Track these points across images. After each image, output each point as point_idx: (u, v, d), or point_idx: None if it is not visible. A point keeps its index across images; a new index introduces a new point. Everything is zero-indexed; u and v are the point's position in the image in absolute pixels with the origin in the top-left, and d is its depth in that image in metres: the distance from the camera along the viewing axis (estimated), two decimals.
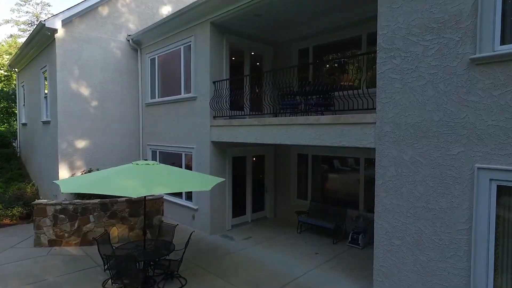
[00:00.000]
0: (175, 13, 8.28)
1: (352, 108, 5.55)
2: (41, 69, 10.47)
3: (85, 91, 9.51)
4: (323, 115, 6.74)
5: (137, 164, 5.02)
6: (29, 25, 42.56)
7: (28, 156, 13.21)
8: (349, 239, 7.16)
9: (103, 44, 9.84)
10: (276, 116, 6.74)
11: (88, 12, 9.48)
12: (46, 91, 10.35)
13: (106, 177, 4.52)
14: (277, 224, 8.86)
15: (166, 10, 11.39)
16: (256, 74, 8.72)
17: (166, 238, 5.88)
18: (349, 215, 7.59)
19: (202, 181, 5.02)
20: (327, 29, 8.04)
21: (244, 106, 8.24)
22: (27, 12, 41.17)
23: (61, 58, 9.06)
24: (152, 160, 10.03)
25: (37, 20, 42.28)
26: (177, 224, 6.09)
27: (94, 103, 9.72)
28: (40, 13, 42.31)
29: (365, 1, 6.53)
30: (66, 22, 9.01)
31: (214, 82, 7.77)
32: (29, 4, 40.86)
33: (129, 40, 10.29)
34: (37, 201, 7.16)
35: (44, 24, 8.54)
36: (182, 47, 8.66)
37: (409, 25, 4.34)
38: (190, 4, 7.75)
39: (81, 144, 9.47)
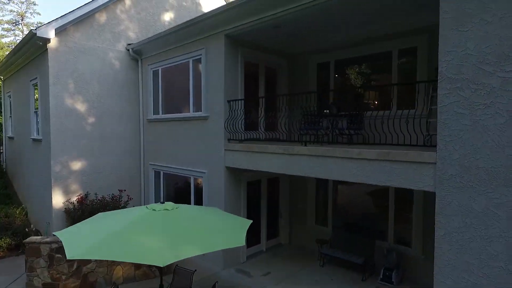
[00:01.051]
0: (184, 23, 7.48)
1: (398, 143, 4.87)
2: (30, 80, 9.51)
3: (81, 106, 8.61)
4: (351, 139, 6.07)
5: (153, 210, 4.24)
6: (14, 24, 40.81)
7: (16, 173, 12.16)
8: (381, 276, 6.51)
9: (101, 54, 8.95)
10: (299, 140, 6.03)
11: (84, 20, 8.58)
12: (36, 106, 9.40)
13: (120, 232, 3.72)
14: (295, 253, 8.15)
15: (168, 17, 10.54)
16: (278, 95, 7.96)
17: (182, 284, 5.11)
18: (378, 247, 6.93)
19: (232, 229, 4.28)
20: (352, 43, 7.36)
21: (259, 125, 7.53)
22: (11, 11, 39.49)
23: (54, 70, 8.14)
24: (155, 179, 9.22)
25: (22, 19, 40.54)
26: (195, 270, 5.32)
27: (91, 119, 8.82)
28: (25, 11, 40.62)
29: (399, 14, 5.88)
30: (59, 31, 8.10)
31: (229, 101, 7.01)
32: (13, 2, 39.13)
33: (129, 50, 9.42)
34: (29, 239, 6.27)
35: (35, 33, 7.61)
36: (191, 60, 7.86)
37: (482, 52, 3.68)
38: (203, 15, 6.96)
39: (76, 165, 8.57)
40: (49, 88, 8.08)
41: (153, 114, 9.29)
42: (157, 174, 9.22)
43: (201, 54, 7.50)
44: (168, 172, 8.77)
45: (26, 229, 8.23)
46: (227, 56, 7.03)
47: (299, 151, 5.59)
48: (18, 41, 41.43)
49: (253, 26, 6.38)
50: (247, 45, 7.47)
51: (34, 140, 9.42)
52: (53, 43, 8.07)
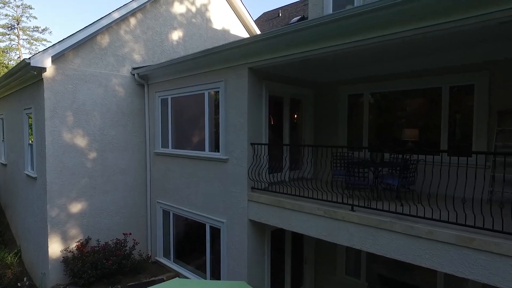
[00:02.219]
0: (201, 52, 6.54)
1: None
2: (24, 109, 8.53)
3: (81, 141, 7.65)
4: (399, 196, 5.15)
5: None
6: (9, 28, 39.66)
7: (9, 203, 11.16)
8: None
9: (103, 81, 7.99)
10: (343, 202, 5.12)
11: (84, 43, 7.61)
12: (31, 140, 8.42)
13: None
14: None
15: (176, 35, 9.59)
16: (306, 145, 7.05)
17: None
18: None
19: None
20: (392, 75, 6.46)
21: (284, 166, 6.62)
22: (6, 15, 38.27)
23: (51, 103, 7.18)
24: (164, 221, 8.28)
25: (18, 24, 39.40)
26: None
27: (92, 154, 7.86)
28: (21, 15, 39.49)
29: (455, 48, 4.99)
30: (57, 57, 7.14)
31: (252, 145, 6.08)
32: (8, 6, 38.03)
33: (134, 75, 8.46)
34: None
35: (29, 63, 6.64)
36: (206, 92, 6.92)
37: None
38: (224, 45, 6.03)
39: (76, 207, 7.60)
40: (44, 123, 7.11)
41: (162, 147, 8.34)
42: (166, 214, 8.27)
43: (219, 87, 6.56)
44: (179, 214, 7.82)
45: (19, 284, 7.25)
46: (251, 91, 6.10)
47: (346, 217, 4.66)
48: (13, 46, 40.35)
49: (282, 61, 5.45)
50: (273, 78, 6.55)
51: (28, 176, 8.44)
52: (49, 72, 7.11)
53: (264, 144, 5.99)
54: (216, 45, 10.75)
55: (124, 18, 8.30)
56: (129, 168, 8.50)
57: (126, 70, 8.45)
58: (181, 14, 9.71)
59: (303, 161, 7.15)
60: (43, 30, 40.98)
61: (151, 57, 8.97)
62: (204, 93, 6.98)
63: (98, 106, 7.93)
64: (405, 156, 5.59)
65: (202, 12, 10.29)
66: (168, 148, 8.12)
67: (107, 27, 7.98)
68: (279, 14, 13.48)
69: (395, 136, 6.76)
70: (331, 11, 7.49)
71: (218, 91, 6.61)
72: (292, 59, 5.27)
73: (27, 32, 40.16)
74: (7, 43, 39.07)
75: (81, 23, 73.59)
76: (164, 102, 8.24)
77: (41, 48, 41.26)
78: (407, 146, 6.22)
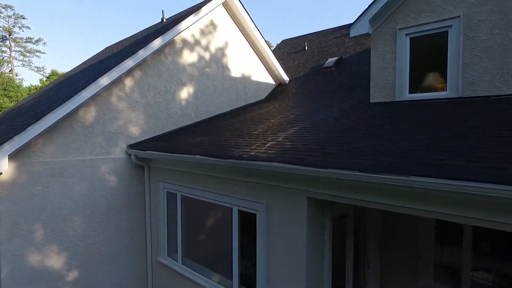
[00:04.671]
0: (225, 161, 4.34)
1: None
2: None
3: (56, 261, 5.45)
4: None
5: None
6: (0, 40, 37.42)
7: None
8: None
9: (87, 171, 5.80)
10: None
11: (61, 123, 5.43)
12: None
13: None
14: None
15: (186, 92, 7.39)
16: None
17: None
18: None
19: None
20: None
21: None
22: None
23: (9, 218, 4.99)
24: None
25: (10, 35, 37.15)
26: None
27: (73, 274, 5.66)
28: (13, 26, 37.27)
29: None
30: (19, 151, 4.95)
31: None
32: None
33: (130, 155, 6.28)
34: None
35: None
36: (236, 208, 4.73)
37: None
38: (270, 166, 3.82)
39: None
40: (0, 248, 4.92)
41: (168, 256, 6.15)
42: None
43: (256, 210, 4.37)
44: None
45: None
46: (311, 230, 3.90)
47: None
48: (5, 58, 38.06)
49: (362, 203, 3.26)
50: (336, 203, 4.34)
51: None
52: (6, 175, 4.92)
53: None
54: (235, 97, 8.93)
55: (117, 80, 6.11)
56: (122, 283, 6.30)
57: (119, 150, 6.26)
58: (192, 65, 7.52)
59: None
60: (37, 41, 38.84)
61: (153, 127, 6.79)
62: (232, 208, 4.78)
63: (81, 206, 5.73)
64: None
65: (217, 59, 8.09)
66: (178, 261, 5.92)
67: (94, 97, 5.79)
68: (304, 48, 11.30)
69: None
70: (407, 93, 5.35)
71: (255, 215, 4.42)
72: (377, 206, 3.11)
73: (20, 43, 37.96)
74: None
75: (76, 34, 71.47)
76: (171, 196, 6.05)
77: (34, 60, 39.13)
78: None
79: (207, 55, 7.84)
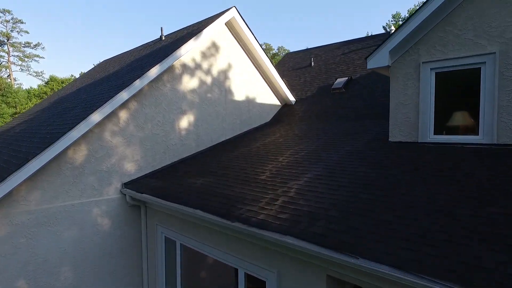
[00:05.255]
0: (230, 225, 3.80)
1: None
2: None
3: None
4: None
5: None
6: None
7: None
8: None
9: (78, 216, 5.27)
10: None
11: (46, 166, 4.90)
12: None
13: None
14: None
15: (186, 121, 6.85)
16: None
17: None
18: None
19: None
20: None
21: None
22: None
23: None
24: None
25: (8, 40, 36.65)
26: None
27: None
28: (11, 31, 36.79)
29: None
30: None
31: None
32: None
33: (125, 194, 5.75)
34: None
35: None
36: (242, 271, 4.18)
37: None
38: (284, 241, 3.28)
39: None
40: None
41: None
42: None
43: (266, 278, 3.83)
44: None
45: None
46: None
47: None
48: (3, 63, 37.56)
49: None
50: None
51: None
52: None
53: None
54: (239, 122, 7.91)
55: (110, 114, 5.57)
56: None
57: (113, 190, 5.73)
58: (192, 91, 6.97)
59: None
60: (35, 45, 38.35)
61: (150, 161, 6.25)
62: (238, 270, 4.23)
63: (70, 255, 5.19)
64: None
65: (220, 82, 7.55)
66: None
67: (84, 136, 5.26)
68: (311, 64, 10.75)
69: None
70: (432, 134, 4.80)
71: (265, 283, 3.87)
72: None
73: (18, 48, 37.46)
74: None
75: (76, 38, 71.04)
76: (170, 242, 5.51)
77: (33, 65, 38.61)
78: None
79: (208, 79, 7.30)
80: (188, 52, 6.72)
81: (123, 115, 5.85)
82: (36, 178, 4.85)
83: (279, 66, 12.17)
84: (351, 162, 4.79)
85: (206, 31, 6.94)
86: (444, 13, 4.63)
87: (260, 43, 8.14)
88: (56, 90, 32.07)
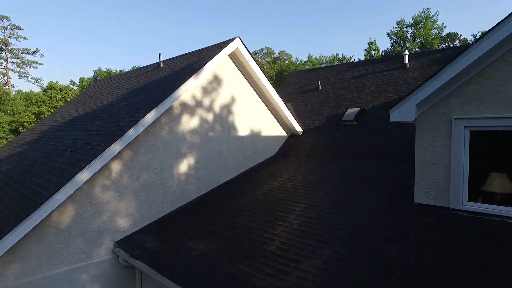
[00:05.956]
0: None
1: None
2: None
3: None
4: None
5: None
6: None
7: None
8: None
9: (64, 286, 4.67)
10: None
11: (27, 234, 4.31)
12: None
13: None
14: None
15: (185, 165, 6.26)
16: None
17: None
18: None
19: None
20: None
21: None
22: None
23: None
24: None
25: (5, 46, 36.10)
26: None
27: None
28: (9, 37, 36.26)
29: None
30: None
31: None
32: None
33: (117, 254, 5.16)
34: None
35: None
36: None
37: None
38: None
39: None
40: None
41: None
42: None
43: None
44: None
45: None
46: None
47: None
48: (0, 70, 37.01)
49: None
50: None
51: None
52: None
53: None
54: (242, 158, 7.21)
55: (102, 168, 4.98)
56: None
57: (104, 250, 5.14)
58: (193, 131, 6.39)
59: None
60: (34, 52, 37.82)
61: (146, 213, 5.67)
62: None
63: None
64: None
65: (222, 118, 6.96)
66: None
67: (72, 195, 4.67)
68: (318, 87, 10.14)
69: None
70: (466, 201, 4.20)
71: None
72: None
73: (17, 54, 36.92)
74: None
75: (74, 43, 70.54)
76: None
77: (32, 71, 38.06)
78: None
79: (210, 116, 6.71)
80: (188, 89, 6.13)
81: (116, 166, 5.27)
82: (15, 250, 4.27)
83: (284, 88, 11.58)
84: (372, 233, 4.19)
85: (208, 66, 6.35)
86: (482, 65, 4.03)
87: (263, 72, 7.55)
88: (54, 99, 31.56)
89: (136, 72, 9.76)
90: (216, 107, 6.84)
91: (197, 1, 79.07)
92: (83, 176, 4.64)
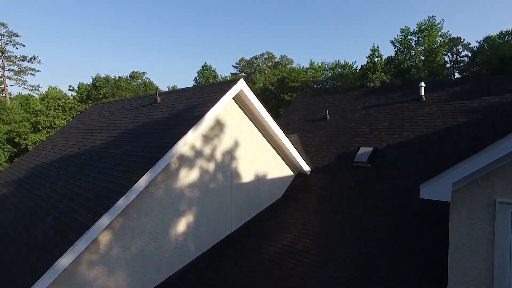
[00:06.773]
0: None
1: None
2: None
3: None
4: None
5: None
6: None
7: None
8: None
9: None
10: None
11: None
12: None
13: None
14: None
15: (184, 224, 5.62)
16: None
17: None
18: None
19: None
20: None
21: None
22: None
23: None
24: None
25: (2, 54, 35.48)
26: None
27: None
28: (6, 44, 35.66)
29: None
30: None
31: None
32: None
33: None
34: None
35: None
36: None
37: None
38: None
39: None
40: None
41: None
42: None
43: None
44: None
45: None
46: None
47: None
48: None
49: None
50: None
51: None
52: None
53: None
54: (246, 206, 6.64)
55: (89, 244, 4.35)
56: None
57: None
58: (192, 185, 5.76)
59: None
60: (31, 59, 37.21)
61: (139, 285, 5.03)
62: None
63: None
64: None
65: (225, 166, 6.34)
66: None
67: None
68: (326, 117, 9.53)
69: None
70: None
71: None
72: None
73: (14, 62, 36.31)
74: None
75: (71, 50, 70.00)
76: None
77: (29, 79, 37.50)
78: None
79: (211, 166, 6.09)
80: (187, 142, 5.50)
81: (104, 238, 4.64)
82: None
83: (289, 114, 10.95)
84: None
85: (210, 113, 5.73)
86: None
87: (262, 107, 6.91)
88: (52, 109, 30.91)
89: (132, 103, 9.12)
90: (218, 155, 6.22)
91: (198, 6, 78.53)
92: (64, 261, 4.01)
